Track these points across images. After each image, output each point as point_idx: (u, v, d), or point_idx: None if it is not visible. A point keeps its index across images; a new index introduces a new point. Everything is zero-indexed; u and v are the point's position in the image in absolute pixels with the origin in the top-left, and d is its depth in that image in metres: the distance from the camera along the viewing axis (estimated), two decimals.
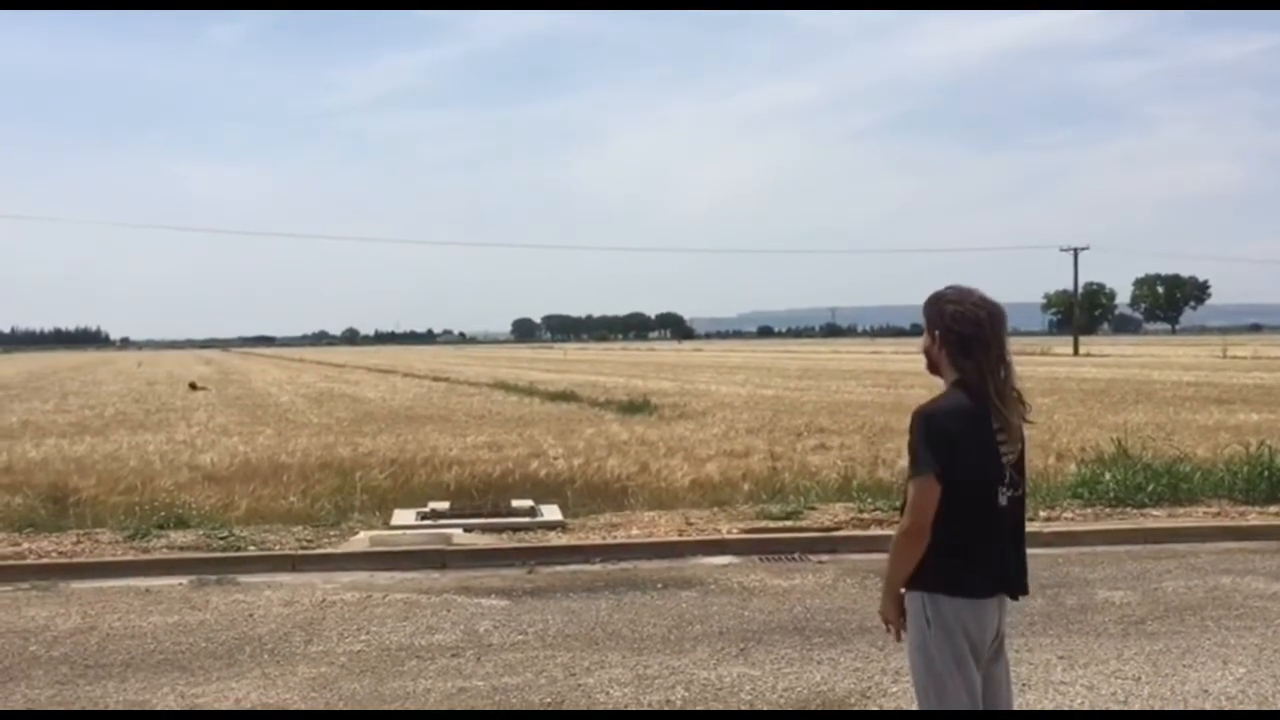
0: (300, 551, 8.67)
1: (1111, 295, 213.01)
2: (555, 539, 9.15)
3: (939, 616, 3.21)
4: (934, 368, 3.38)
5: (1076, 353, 69.15)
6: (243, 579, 8.01)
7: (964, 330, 3.24)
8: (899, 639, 3.38)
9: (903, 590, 3.31)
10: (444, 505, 10.55)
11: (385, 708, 5.28)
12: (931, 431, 3.17)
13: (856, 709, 5.18)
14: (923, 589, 3.24)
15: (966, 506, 3.17)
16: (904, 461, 3.27)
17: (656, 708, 5.22)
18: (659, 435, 16.34)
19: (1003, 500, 3.23)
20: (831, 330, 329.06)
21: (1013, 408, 3.24)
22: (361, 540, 8.97)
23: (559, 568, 8.32)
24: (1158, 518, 9.65)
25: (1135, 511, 9.86)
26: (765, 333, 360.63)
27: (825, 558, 8.49)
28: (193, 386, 36.39)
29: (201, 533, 9.21)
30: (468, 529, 9.37)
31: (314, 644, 6.36)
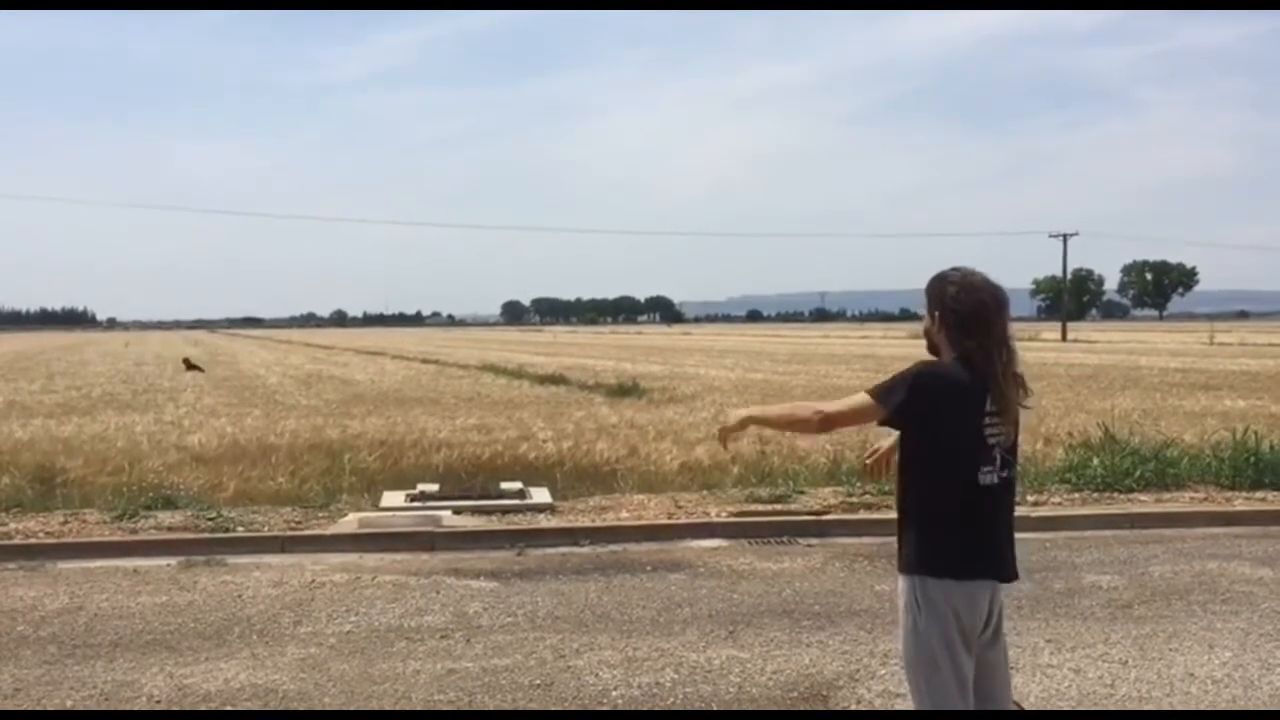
0: (289, 533, 8.65)
1: (1100, 281, 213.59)
2: (544, 521, 9.15)
3: (928, 600, 3.20)
4: (934, 350, 3.36)
5: (1065, 338, 69.36)
6: (231, 560, 7.99)
7: (964, 310, 3.22)
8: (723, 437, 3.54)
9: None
10: (433, 487, 10.53)
11: (375, 688, 5.28)
12: (921, 382, 3.17)
13: (845, 691, 5.20)
14: (912, 572, 3.24)
15: (949, 482, 3.16)
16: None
17: (646, 689, 5.23)
18: (648, 419, 16.34)
19: (989, 480, 3.21)
20: (821, 315, 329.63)
21: (1013, 388, 3.23)
22: (350, 522, 8.96)
23: (548, 550, 8.32)
24: (1145, 503, 9.69)
25: (1122, 496, 9.90)
26: (754, 317, 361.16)
27: (814, 541, 8.51)
28: (186, 364, 35.72)
29: (190, 513, 9.19)
30: (457, 511, 9.37)
31: (303, 625, 6.36)
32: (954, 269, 3.33)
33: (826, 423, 3.26)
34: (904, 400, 3.15)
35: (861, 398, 3.23)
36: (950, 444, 3.16)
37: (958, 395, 3.17)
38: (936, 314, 3.29)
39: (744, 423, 3.47)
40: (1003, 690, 3.38)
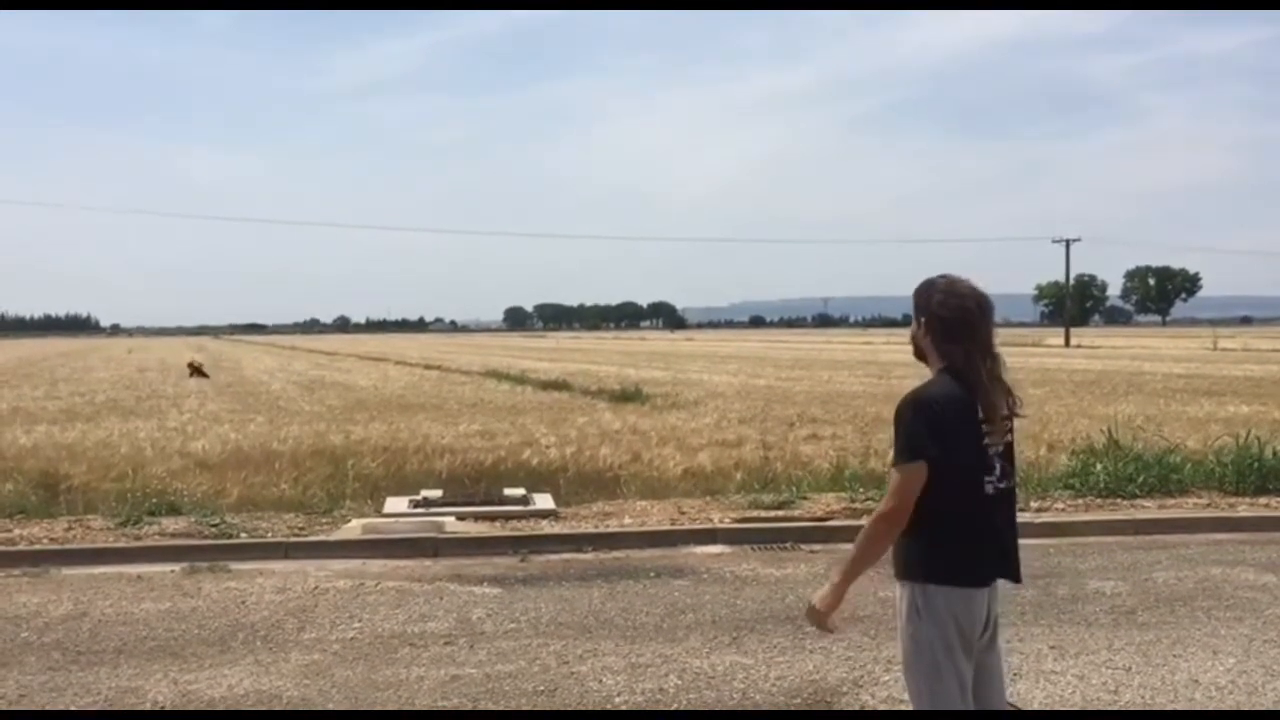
0: (292, 539, 8.66)
1: (1103, 287, 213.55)
2: (548, 527, 9.15)
3: (929, 605, 3.22)
4: (921, 356, 3.40)
5: (1068, 344, 69.33)
6: (235, 566, 8.00)
7: (950, 317, 3.25)
8: (826, 627, 3.36)
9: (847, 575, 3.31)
10: (436, 493, 10.54)
11: (378, 694, 5.29)
12: (926, 416, 3.17)
13: (849, 698, 5.20)
14: (912, 579, 3.25)
15: (953, 494, 3.17)
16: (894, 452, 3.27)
17: (649, 695, 5.23)
18: (651, 424, 16.36)
19: (990, 489, 3.24)
20: (823, 321, 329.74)
21: (999, 396, 3.26)
22: (354, 528, 8.97)
23: (551, 556, 8.33)
24: (1148, 509, 9.68)
25: (1126, 502, 9.89)
26: (757, 323, 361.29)
27: (817, 547, 8.51)
28: (192, 368, 35.68)
29: (193, 519, 9.19)
30: (460, 517, 9.37)
31: (307, 631, 6.36)
32: (941, 276, 3.37)
33: (903, 514, 3.15)
34: (931, 440, 3.15)
35: (904, 472, 3.15)
36: (957, 455, 3.17)
37: (954, 411, 3.19)
38: (923, 320, 3.33)
39: (846, 586, 3.29)
40: (998, 695, 3.41)
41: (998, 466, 3.25)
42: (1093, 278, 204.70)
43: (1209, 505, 9.81)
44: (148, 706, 5.18)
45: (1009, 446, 3.31)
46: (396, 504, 10.00)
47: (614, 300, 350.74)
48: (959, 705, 3.22)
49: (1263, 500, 9.97)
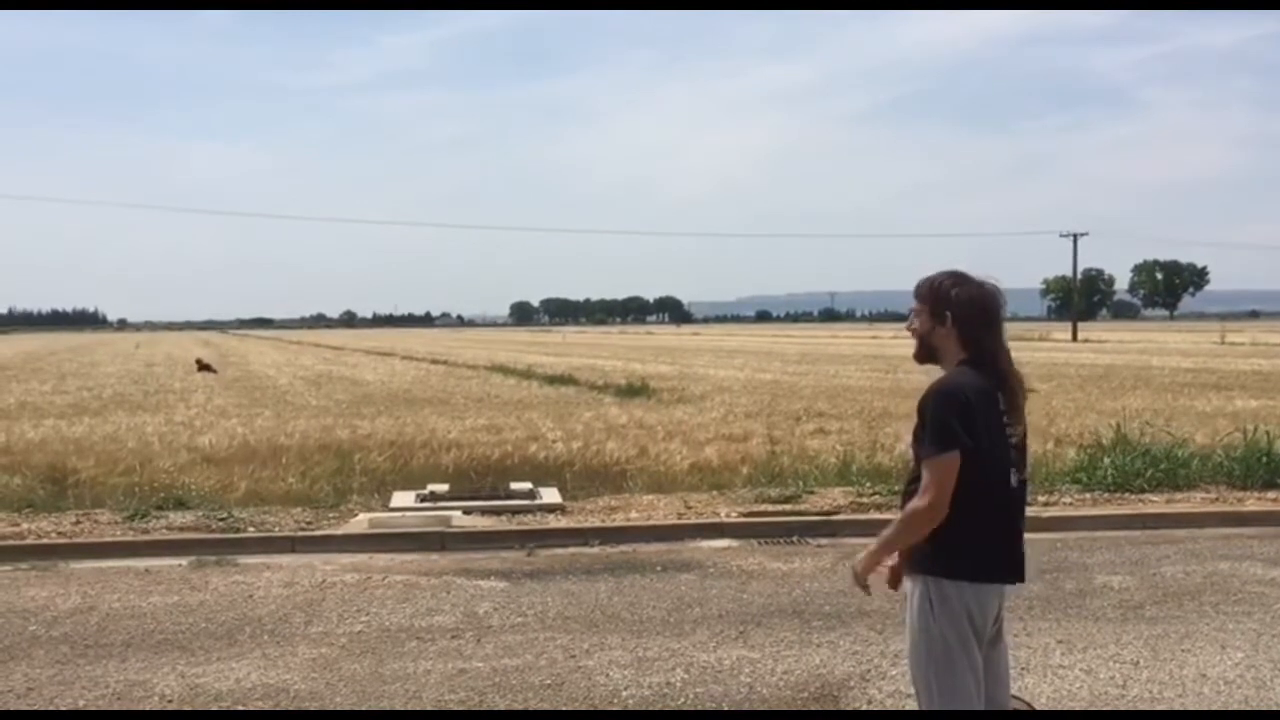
0: (299, 533, 8.68)
1: (1110, 281, 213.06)
2: (554, 521, 9.16)
3: (943, 600, 3.19)
4: (928, 354, 3.34)
5: (1075, 338, 69.16)
6: (242, 560, 8.02)
7: (975, 308, 3.23)
8: (863, 588, 3.37)
9: (888, 563, 3.34)
10: (443, 487, 10.55)
11: (386, 688, 5.29)
12: (955, 406, 3.12)
13: (856, 692, 5.20)
14: (926, 573, 3.23)
15: (979, 487, 3.13)
16: (902, 445, 3.25)
17: (656, 689, 5.23)
18: (657, 419, 16.34)
19: (1014, 482, 3.22)
20: (830, 315, 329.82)
21: (1019, 387, 3.25)
22: (360, 522, 8.98)
23: (558, 550, 8.33)
24: (1156, 503, 9.66)
25: (1133, 497, 9.87)
26: (764, 317, 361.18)
27: (824, 541, 8.50)
28: (199, 364, 35.72)
29: (201, 514, 9.21)
30: (467, 511, 9.38)
31: (314, 625, 6.37)
32: (944, 273, 3.32)
33: (942, 507, 3.12)
34: (960, 429, 3.11)
35: (941, 463, 3.11)
36: (979, 447, 3.13)
37: (981, 402, 3.16)
38: (947, 314, 3.25)
39: (879, 562, 3.34)
40: (1004, 691, 3.40)
41: (1014, 459, 3.24)
42: (1100, 272, 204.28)
43: (1217, 500, 9.78)
44: (155, 700, 5.19)
45: (1023, 438, 3.29)
46: (403, 498, 10.01)
47: (620, 295, 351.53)
48: (974, 698, 3.21)
49: (1271, 495, 9.93)
